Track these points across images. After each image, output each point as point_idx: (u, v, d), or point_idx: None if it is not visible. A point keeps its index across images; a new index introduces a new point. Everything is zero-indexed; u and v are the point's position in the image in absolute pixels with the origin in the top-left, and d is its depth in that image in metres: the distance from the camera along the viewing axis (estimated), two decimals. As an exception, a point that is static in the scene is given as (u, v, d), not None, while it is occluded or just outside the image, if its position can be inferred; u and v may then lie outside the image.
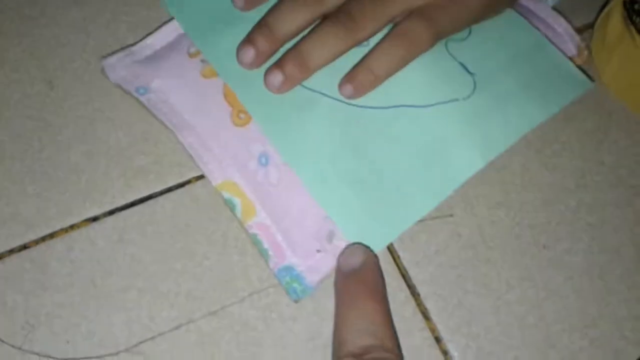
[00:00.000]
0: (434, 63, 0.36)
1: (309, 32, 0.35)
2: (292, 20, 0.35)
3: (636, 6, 0.39)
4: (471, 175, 0.34)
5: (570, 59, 0.39)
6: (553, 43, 0.39)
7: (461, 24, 0.36)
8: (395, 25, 0.35)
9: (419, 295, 0.35)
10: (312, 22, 0.35)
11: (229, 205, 0.35)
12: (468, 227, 0.36)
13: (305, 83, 0.36)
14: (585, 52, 0.40)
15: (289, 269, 0.34)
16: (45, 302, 0.34)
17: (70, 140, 0.38)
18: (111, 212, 0.36)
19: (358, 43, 0.35)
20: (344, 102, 0.35)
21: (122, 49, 0.39)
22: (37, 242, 0.35)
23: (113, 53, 0.39)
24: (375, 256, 0.32)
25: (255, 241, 0.34)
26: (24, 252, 0.35)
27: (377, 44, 0.35)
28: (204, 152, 0.36)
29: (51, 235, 0.35)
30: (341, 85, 0.35)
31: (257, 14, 0.37)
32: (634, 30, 0.38)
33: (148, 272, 0.34)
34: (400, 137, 0.35)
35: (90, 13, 0.42)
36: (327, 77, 0.36)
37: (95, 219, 0.36)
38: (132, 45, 0.40)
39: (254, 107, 0.36)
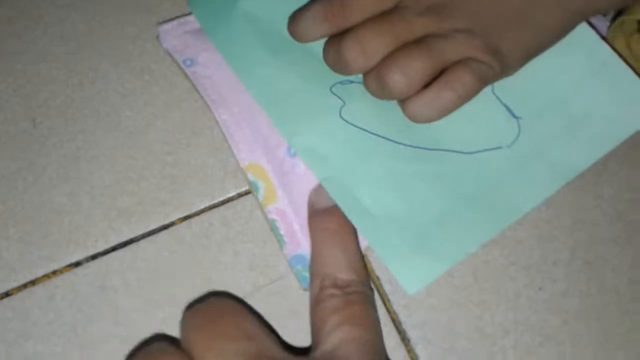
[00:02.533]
0: (478, 107, 0.35)
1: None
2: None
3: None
4: (514, 221, 0.34)
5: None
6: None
7: (506, 73, 0.35)
8: (439, 76, 0.34)
9: (409, 340, 0.34)
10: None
11: (252, 188, 0.36)
12: (461, 266, 0.35)
13: (348, 118, 0.35)
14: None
15: (302, 257, 0.34)
16: (27, 352, 0.33)
17: (53, 180, 0.37)
18: (94, 257, 0.35)
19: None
20: (387, 138, 0.35)
21: (178, 17, 0.40)
22: (19, 289, 0.34)
23: (169, 20, 0.40)
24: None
25: (272, 227, 0.35)
26: (6, 300, 0.34)
27: (424, 91, 0.33)
28: (236, 131, 0.36)
29: (33, 282, 0.35)
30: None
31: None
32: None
33: (130, 321, 0.34)
34: (444, 177, 0.34)
35: (73, 48, 0.41)
36: (374, 115, 0.35)
37: (77, 264, 0.35)
38: (188, 14, 0.40)
39: (287, 130, 0.35)
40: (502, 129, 0.36)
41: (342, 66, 0.34)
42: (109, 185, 0.37)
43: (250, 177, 0.36)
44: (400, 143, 0.35)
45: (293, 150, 0.35)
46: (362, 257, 0.32)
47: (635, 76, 0.36)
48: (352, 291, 0.30)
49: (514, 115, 0.36)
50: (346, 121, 0.35)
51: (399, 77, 0.32)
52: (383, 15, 0.34)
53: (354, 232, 0.33)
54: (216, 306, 0.29)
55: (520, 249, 0.36)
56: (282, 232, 0.35)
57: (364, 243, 0.34)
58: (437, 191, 0.34)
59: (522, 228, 0.36)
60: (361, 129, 0.35)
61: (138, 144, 0.38)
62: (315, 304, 0.31)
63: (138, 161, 0.38)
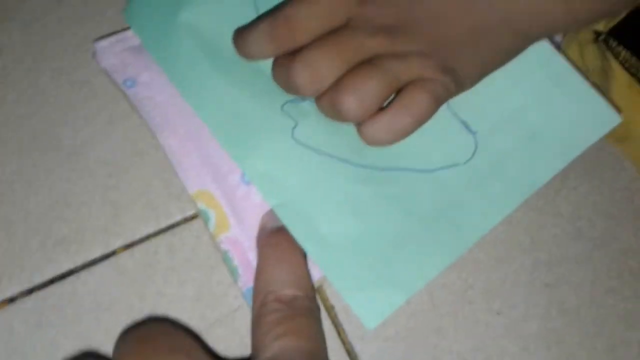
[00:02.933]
0: (434, 123, 0.33)
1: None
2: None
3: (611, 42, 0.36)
4: (475, 242, 0.32)
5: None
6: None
7: (459, 91, 0.33)
8: (396, 97, 0.32)
9: (365, 372, 0.32)
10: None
11: (203, 217, 0.33)
12: (418, 291, 0.34)
13: (300, 139, 0.33)
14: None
15: None
16: (-43, 397, 0.31)
17: (-16, 207, 0.35)
18: (30, 291, 0.33)
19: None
20: (342, 160, 0.33)
21: (116, 32, 0.37)
22: (-52, 327, 0.32)
23: (106, 36, 0.37)
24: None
25: (225, 258, 0.33)
26: None
27: (378, 115, 0.31)
28: (183, 156, 0.34)
29: (-37, 321, 0.32)
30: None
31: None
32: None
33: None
34: (402, 199, 0.33)
35: (10, 62, 0.38)
36: (328, 135, 0.33)
37: (12, 299, 0.33)
38: (127, 29, 0.37)
39: (240, 156, 0.33)
40: (459, 146, 0.34)
41: (293, 90, 0.32)
42: (45, 211, 0.35)
43: (200, 205, 0.33)
44: (356, 164, 0.33)
45: (247, 177, 0.33)
46: (307, 273, 0.31)
47: (590, 88, 0.35)
48: (296, 305, 0.29)
49: (470, 131, 0.34)
50: (299, 142, 0.33)
51: (354, 101, 0.30)
52: (333, 36, 0.31)
53: (301, 250, 0.31)
54: (149, 326, 0.29)
55: (479, 272, 0.35)
56: (235, 263, 0.33)
57: (319, 273, 0.32)
58: (395, 214, 0.33)
59: (480, 249, 0.35)
60: (315, 150, 0.33)
61: (77, 165, 0.36)
62: (257, 319, 0.29)
63: (77, 185, 0.35)
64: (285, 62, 0.32)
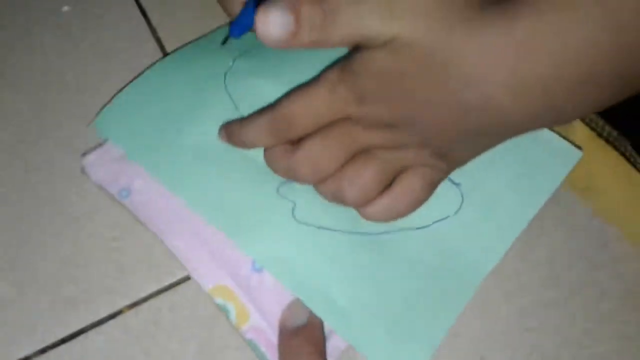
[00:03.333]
0: None
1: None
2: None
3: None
4: (478, 285, 0.35)
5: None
6: None
7: (450, 173, 0.35)
8: (392, 184, 0.34)
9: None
10: None
11: (223, 311, 0.35)
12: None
13: (303, 219, 0.35)
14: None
15: None
16: None
17: (-2, 270, 0.37)
18: (42, 351, 0.35)
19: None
20: (344, 231, 0.35)
21: (100, 145, 0.39)
22: (-35, 389, 0.34)
23: (92, 149, 0.38)
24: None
25: (252, 346, 0.34)
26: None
27: (378, 198, 0.34)
28: (193, 256, 0.35)
29: (-21, 382, 0.34)
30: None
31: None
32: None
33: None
34: (405, 258, 0.35)
35: (20, 133, 0.41)
36: (325, 210, 0.36)
37: (27, 359, 0.35)
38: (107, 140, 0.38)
39: (249, 245, 0.35)
40: (448, 198, 0.37)
41: (293, 178, 0.34)
42: (54, 273, 0.37)
43: (218, 300, 0.35)
44: (358, 233, 0.36)
45: (258, 264, 0.35)
46: None
47: (550, 131, 0.38)
48: None
49: (454, 183, 0.37)
50: (300, 222, 0.35)
51: (355, 191, 0.33)
52: (334, 128, 0.33)
53: (323, 355, 0.32)
54: None
55: (464, 319, 0.36)
56: (262, 349, 0.34)
57: (343, 343, 0.34)
58: (401, 273, 0.35)
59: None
60: (317, 226, 0.35)
61: (84, 229, 0.38)
62: None
63: (84, 247, 0.38)
64: (284, 154, 0.34)
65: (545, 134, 0.38)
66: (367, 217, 0.34)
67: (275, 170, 0.35)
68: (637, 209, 0.39)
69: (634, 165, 0.39)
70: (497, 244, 0.36)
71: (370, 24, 0.29)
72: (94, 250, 0.38)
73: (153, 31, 0.46)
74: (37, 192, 0.39)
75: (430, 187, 0.34)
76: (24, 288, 0.37)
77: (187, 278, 0.37)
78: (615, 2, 0.26)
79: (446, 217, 0.36)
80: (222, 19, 0.44)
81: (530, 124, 0.32)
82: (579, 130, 0.39)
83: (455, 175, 0.36)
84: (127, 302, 0.37)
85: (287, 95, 0.33)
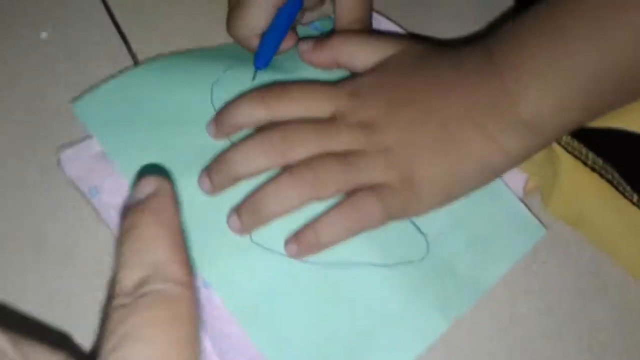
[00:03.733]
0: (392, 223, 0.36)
1: (269, 181, 0.34)
2: (250, 165, 0.35)
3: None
4: (436, 338, 0.34)
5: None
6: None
7: (412, 212, 0.36)
8: (349, 195, 0.34)
9: None
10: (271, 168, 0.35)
11: None
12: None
13: (259, 241, 0.35)
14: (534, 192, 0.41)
15: None
16: None
17: None
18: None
19: (315, 201, 0.34)
20: (302, 260, 0.35)
21: (81, 140, 0.38)
22: None
23: (71, 144, 0.38)
24: (169, 184, 0.25)
25: None
26: None
27: (329, 210, 0.34)
28: None
29: None
30: (287, 243, 0.34)
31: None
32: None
33: None
34: (363, 295, 0.35)
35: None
36: (283, 235, 0.35)
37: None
38: (91, 136, 0.38)
39: (200, 260, 0.34)
40: (413, 244, 0.37)
41: (269, 147, 0.35)
42: (39, 313, 0.36)
43: None
44: (316, 263, 0.35)
45: (207, 281, 0.34)
46: (176, 247, 0.23)
47: (519, 203, 0.39)
48: (142, 293, 0.21)
49: (420, 232, 0.37)
50: (258, 244, 0.35)
51: (313, 179, 0.33)
52: (318, 121, 0.35)
53: (167, 220, 0.23)
54: None
55: (456, 351, 0.36)
56: None
57: None
58: (358, 311, 0.34)
59: (458, 326, 0.37)
60: (274, 251, 0.35)
61: (67, 266, 0.37)
62: (100, 325, 0.27)
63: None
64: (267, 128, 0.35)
65: (516, 206, 0.39)
66: (318, 230, 0.34)
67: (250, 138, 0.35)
68: (626, 237, 0.39)
69: (622, 193, 0.39)
70: (458, 301, 0.36)
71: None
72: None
73: (133, 56, 0.45)
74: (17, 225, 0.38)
75: (385, 212, 0.34)
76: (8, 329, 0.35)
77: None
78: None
79: (410, 262, 0.36)
80: (199, 44, 0.44)
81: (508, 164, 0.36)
82: (564, 159, 0.39)
83: (423, 225, 0.36)
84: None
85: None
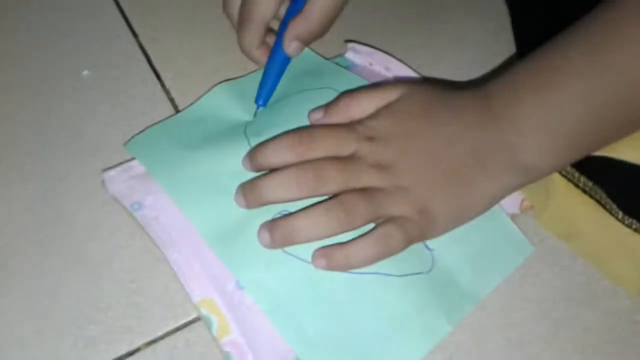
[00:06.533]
0: None
1: (304, 210, 0.39)
2: (283, 194, 0.39)
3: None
4: (440, 339, 0.38)
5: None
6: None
7: (428, 237, 0.40)
8: (376, 227, 0.39)
9: None
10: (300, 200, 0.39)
11: (206, 323, 0.38)
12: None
13: (291, 251, 0.39)
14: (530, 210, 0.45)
15: None
16: None
17: (22, 313, 0.39)
18: (64, 388, 0.37)
19: (344, 232, 0.38)
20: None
21: (121, 163, 0.43)
22: None
23: (114, 166, 0.43)
24: None
25: (227, 358, 0.37)
26: None
27: (360, 238, 0.38)
28: (187, 270, 0.39)
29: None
30: (316, 256, 0.38)
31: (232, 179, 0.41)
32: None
33: None
34: (377, 300, 0.39)
35: (39, 189, 0.44)
36: (314, 247, 0.39)
37: (48, 395, 0.37)
38: (131, 159, 0.43)
39: (235, 266, 0.39)
40: (421, 258, 0.41)
41: (302, 181, 0.38)
42: (76, 315, 0.40)
43: (204, 312, 0.38)
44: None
45: (241, 283, 0.38)
46: None
47: (510, 222, 0.43)
48: None
49: (427, 248, 0.41)
50: (288, 253, 0.39)
51: (344, 214, 0.37)
52: (343, 158, 0.40)
53: None
54: None
55: (458, 353, 0.39)
56: None
57: None
58: (371, 313, 0.39)
59: (459, 331, 0.40)
60: (303, 260, 0.39)
61: (103, 274, 0.41)
62: None
63: (104, 291, 0.40)
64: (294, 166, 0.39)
65: (508, 226, 0.43)
66: (349, 253, 0.38)
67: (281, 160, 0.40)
68: (614, 251, 0.43)
69: (609, 212, 0.42)
70: (458, 309, 0.40)
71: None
72: (114, 292, 0.40)
73: (167, 92, 0.50)
74: (60, 244, 0.42)
75: (407, 239, 0.38)
76: (46, 329, 0.39)
77: (201, 317, 0.40)
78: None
79: (420, 273, 0.40)
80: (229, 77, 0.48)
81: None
82: (558, 181, 0.43)
83: (429, 242, 0.41)
84: (145, 340, 0.39)
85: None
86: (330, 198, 0.39)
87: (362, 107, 0.42)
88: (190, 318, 0.40)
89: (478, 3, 0.57)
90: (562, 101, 0.37)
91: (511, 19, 0.54)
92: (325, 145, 0.40)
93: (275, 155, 0.40)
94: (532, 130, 0.38)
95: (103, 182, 0.43)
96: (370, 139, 0.40)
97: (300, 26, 0.46)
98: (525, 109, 0.38)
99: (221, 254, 0.39)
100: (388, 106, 0.41)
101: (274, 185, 0.39)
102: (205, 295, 0.39)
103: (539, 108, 0.37)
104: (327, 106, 0.43)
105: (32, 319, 0.39)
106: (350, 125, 0.41)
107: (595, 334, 0.41)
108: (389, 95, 0.42)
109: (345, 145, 0.40)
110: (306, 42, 0.47)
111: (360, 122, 0.41)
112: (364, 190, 0.38)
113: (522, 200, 0.44)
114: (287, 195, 0.39)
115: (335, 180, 0.38)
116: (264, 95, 0.47)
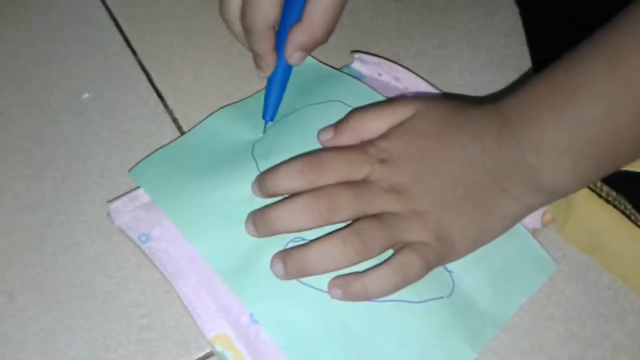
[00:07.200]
0: None
1: (319, 240, 0.37)
2: (296, 224, 0.37)
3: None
4: None
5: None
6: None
7: (447, 262, 0.39)
8: (394, 255, 0.37)
9: None
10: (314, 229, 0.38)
11: (221, 359, 0.37)
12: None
13: (306, 281, 0.38)
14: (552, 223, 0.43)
15: None
16: None
17: (31, 355, 0.38)
18: None
19: (360, 262, 0.37)
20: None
21: (126, 192, 0.42)
22: None
23: (118, 197, 0.42)
24: None
25: None
26: None
27: (378, 267, 0.37)
28: (198, 303, 0.38)
29: None
30: (332, 286, 0.37)
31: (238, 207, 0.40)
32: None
33: None
34: (398, 329, 0.37)
35: (44, 216, 0.43)
36: (329, 275, 0.37)
37: None
38: (135, 189, 0.42)
39: (248, 299, 0.37)
40: (441, 282, 0.39)
41: (315, 210, 0.37)
42: (85, 356, 0.38)
43: (218, 348, 0.37)
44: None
45: (255, 317, 0.37)
46: None
47: (534, 240, 0.41)
48: None
49: (447, 270, 0.39)
50: (303, 283, 0.37)
51: (360, 243, 0.36)
52: (357, 182, 0.38)
53: None
54: None
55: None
56: None
57: None
58: (392, 344, 0.37)
59: (482, 356, 0.38)
60: (317, 289, 0.37)
61: (112, 309, 0.40)
62: None
63: (114, 327, 0.39)
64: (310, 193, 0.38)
65: (530, 244, 0.41)
66: (366, 283, 0.36)
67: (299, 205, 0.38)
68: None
69: (634, 222, 0.40)
70: (481, 333, 0.38)
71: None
72: (124, 329, 0.39)
73: (170, 112, 0.48)
74: (68, 277, 0.41)
75: (426, 266, 0.37)
76: (57, 370, 0.38)
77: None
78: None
79: (440, 298, 0.38)
80: (232, 99, 0.47)
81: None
82: (580, 191, 0.41)
83: (449, 265, 0.39)
84: (158, 375, 0.38)
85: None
86: (345, 225, 0.37)
87: (373, 126, 0.40)
88: (204, 353, 0.39)
89: (484, 4, 0.55)
90: (583, 121, 0.35)
91: (523, 20, 0.52)
92: (336, 171, 0.38)
93: (285, 182, 0.38)
94: (552, 152, 0.36)
95: (108, 214, 0.41)
96: (383, 161, 0.38)
97: (303, 35, 0.43)
98: (545, 130, 0.36)
99: (234, 286, 0.38)
100: (400, 125, 0.40)
101: (286, 215, 0.37)
102: (219, 331, 0.37)
103: (559, 129, 0.35)
104: (337, 125, 0.41)
105: (43, 357, 0.38)
106: (361, 147, 0.39)
107: (625, 352, 0.39)
108: (402, 114, 0.40)
109: (357, 170, 0.38)
110: (310, 50, 0.45)
111: (371, 142, 0.39)
112: (379, 217, 0.37)
113: (544, 214, 0.42)
114: (299, 225, 0.37)
115: (349, 207, 0.37)
116: (270, 109, 0.45)
